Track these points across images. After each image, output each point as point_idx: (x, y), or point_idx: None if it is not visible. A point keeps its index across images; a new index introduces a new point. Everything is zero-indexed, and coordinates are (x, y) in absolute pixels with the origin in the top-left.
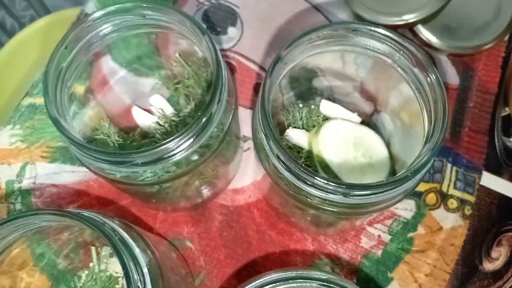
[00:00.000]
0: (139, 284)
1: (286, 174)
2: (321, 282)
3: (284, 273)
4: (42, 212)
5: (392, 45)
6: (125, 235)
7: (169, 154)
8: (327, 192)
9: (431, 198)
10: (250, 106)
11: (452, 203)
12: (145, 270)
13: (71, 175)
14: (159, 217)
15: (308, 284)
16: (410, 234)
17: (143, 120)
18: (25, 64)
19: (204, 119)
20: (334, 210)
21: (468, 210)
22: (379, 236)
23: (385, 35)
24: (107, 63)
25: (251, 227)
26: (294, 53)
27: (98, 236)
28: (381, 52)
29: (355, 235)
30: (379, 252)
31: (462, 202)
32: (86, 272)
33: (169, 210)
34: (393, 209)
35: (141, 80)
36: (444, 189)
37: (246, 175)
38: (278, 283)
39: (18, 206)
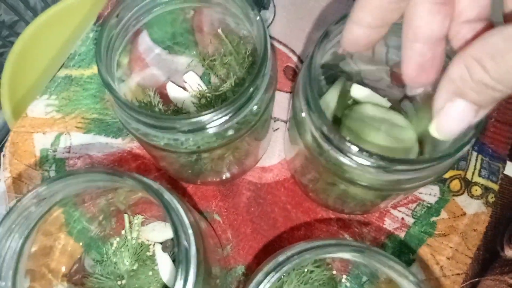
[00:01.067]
0: (185, 242)
1: (327, 147)
2: (356, 248)
3: (317, 241)
4: (96, 170)
5: None
6: (171, 196)
7: (214, 124)
8: (368, 166)
9: (455, 184)
10: (280, 88)
11: (476, 190)
12: (190, 231)
13: (105, 146)
14: (189, 190)
15: (342, 249)
16: (433, 219)
17: (177, 96)
18: (61, 36)
19: (250, 90)
20: (369, 185)
21: (491, 198)
22: (402, 219)
23: None
24: (144, 40)
25: (278, 204)
26: (340, 30)
27: (130, 205)
28: None
29: (379, 217)
30: (402, 234)
31: (486, 189)
32: (118, 239)
33: (199, 183)
34: (417, 194)
35: (176, 58)
36: (469, 176)
37: (274, 154)
38: (311, 250)
39: (52, 174)
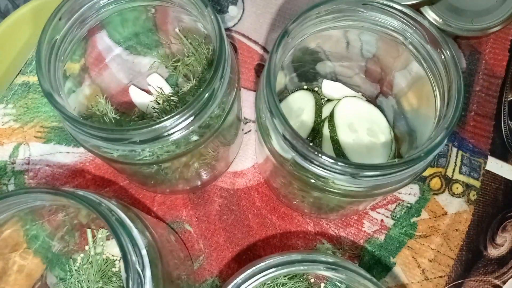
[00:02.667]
0: (137, 266)
1: (292, 153)
2: (327, 265)
3: (288, 256)
4: (35, 190)
5: (405, 21)
6: (122, 215)
7: (169, 132)
8: (334, 172)
9: (435, 182)
10: (251, 87)
11: (457, 188)
12: (144, 251)
13: (66, 156)
14: (157, 200)
15: (313, 267)
16: (414, 219)
17: (141, 99)
18: (18, 43)
19: (206, 95)
20: (340, 192)
21: (473, 195)
22: (382, 221)
23: (398, 9)
24: (103, 40)
25: (252, 210)
26: (301, 27)
27: (94, 218)
28: (393, 28)
29: (357, 220)
30: (382, 237)
31: (468, 187)
32: (82, 255)
33: (168, 193)
34: (396, 194)
35: (138, 59)
36: (449, 173)
37: (247, 158)
38: (282, 266)
39: (11, 187)
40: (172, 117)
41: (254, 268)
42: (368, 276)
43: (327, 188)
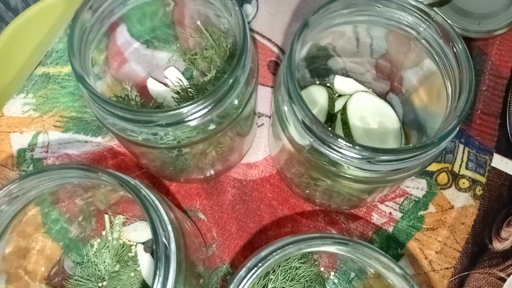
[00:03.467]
0: (164, 239)
1: (310, 139)
2: (341, 240)
3: (303, 235)
4: (68, 166)
5: (419, 16)
6: (149, 193)
7: (192, 117)
8: (351, 157)
9: (442, 177)
10: (264, 83)
11: (464, 183)
12: (169, 227)
13: (84, 145)
14: (172, 189)
15: (328, 243)
16: (421, 212)
17: (158, 92)
18: (38, 35)
19: (230, 81)
20: (354, 178)
21: (479, 191)
22: (390, 213)
23: (412, 5)
24: (122, 34)
25: (263, 201)
26: (320, 20)
27: (111, 205)
28: (407, 23)
29: (366, 212)
30: (390, 229)
31: (474, 182)
32: (98, 240)
33: (182, 181)
34: (404, 188)
35: (156, 53)
36: (456, 169)
37: (259, 150)
38: (298, 243)
39: None
40: (196, 102)
41: (266, 249)
42: (381, 251)
43: (341, 174)
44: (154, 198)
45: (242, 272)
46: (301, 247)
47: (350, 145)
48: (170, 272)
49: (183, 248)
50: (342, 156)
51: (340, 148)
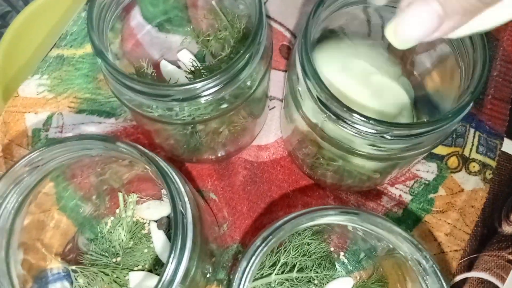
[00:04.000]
0: (181, 208)
1: (325, 114)
2: (353, 209)
3: (317, 207)
4: (89, 136)
5: None
6: (166, 165)
7: (209, 92)
8: (366, 132)
9: (452, 161)
10: (275, 67)
11: (474, 167)
12: (186, 198)
13: (98, 125)
14: (184, 170)
15: (337, 217)
16: (431, 195)
17: (172, 74)
18: (52, 17)
19: (246, 56)
20: (366, 154)
21: (489, 174)
22: (400, 196)
23: None
24: (136, 17)
25: (274, 182)
26: None
27: (124, 184)
28: None
29: (376, 194)
30: (400, 212)
31: (484, 166)
32: (112, 218)
33: (194, 161)
34: (414, 171)
35: (169, 36)
36: (466, 153)
37: (271, 132)
38: (314, 213)
39: None
40: (212, 76)
41: (280, 220)
42: (391, 221)
43: (354, 151)
44: (171, 170)
45: (257, 241)
46: (314, 216)
47: (365, 119)
48: (187, 242)
49: (198, 222)
50: (357, 131)
51: (355, 123)
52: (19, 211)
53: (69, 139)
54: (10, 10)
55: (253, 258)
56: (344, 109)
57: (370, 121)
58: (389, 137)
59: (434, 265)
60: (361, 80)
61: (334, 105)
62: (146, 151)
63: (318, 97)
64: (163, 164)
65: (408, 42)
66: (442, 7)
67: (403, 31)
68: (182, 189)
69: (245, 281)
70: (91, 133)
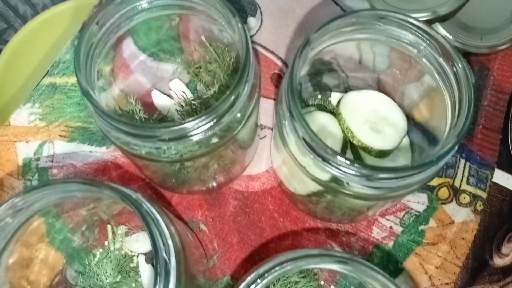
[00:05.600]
0: (164, 254)
1: (310, 155)
2: (342, 259)
3: (305, 251)
4: (71, 180)
5: (419, 35)
6: (150, 207)
7: (194, 132)
8: (351, 174)
9: (443, 192)
10: (267, 95)
11: (465, 198)
12: (170, 242)
13: (89, 154)
14: (174, 200)
15: (328, 261)
16: (422, 227)
17: (163, 103)
18: (46, 44)
19: (232, 98)
20: (353, 194)
21: (480, 206)
22: (390, 227)
23: (413, 24)
24: (129, 47)
25: (265, 213)
26: (321, 38)
27: (114, 215)
28: (407, 41)
29: (367, 226)
30: (391, 243)
31: (475, 197)
32: (101, 250)
33: (184, 193)
34: (405, 202)
35: (161, 65)
36: (457, 184)
37: (261, 162)
38: (299, 259)
39: (35, 183)
40: (199, 117)
41: (266, 265)
42: (379, 270)
43: (342, 190)
44: (155, 212)
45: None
46: (300, 264)
47: (349, 162)
48: (170, 286)
49: (183, 261)
50: (342, 173)
51: (340, 165)
52: (3, 252)
53: (53, 183)
54: (7, 27)
55: None
56: (329, 151)
57: (355, 164)
58: (374, 180)
59: None
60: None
61: (318, 147)
62: (131, 193)
63: (303, 137)
64: (146, 207)
65: None
66: None
67: None
68: (166, 232)
69: None
70: (81, 163)
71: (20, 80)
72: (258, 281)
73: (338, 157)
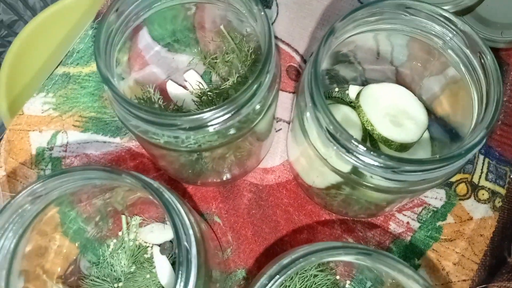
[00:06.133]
0: (185, 243)
1: (334, 147)
2: (364, 250)
3: (330, 243)
4: (93, 168)
5: (447, 26)
6: (171, 195)
7: (216, 121)
8: (376, 167)
9: (461, 188)
10: (282, 88)
11: (483, 194)
12: (191, 231)
13: (102, 145)
14: (189, 192)
15: (346, 257)
16: (439, 223)
17: (178, 94)
18: (59, 35)
19: (254, 86)
20: (375, 187)
21: (498, 202)
22: (408, 223)
23: (440, 14)
24: (144, 37)
25: (279, 206)
26: (346, 27)
27: (128, 206)
28: (433, 32)
29: (384, 221)
30: (408, 239)
31: (493, 194)
32: (115, 241)
33: (199, 184)
34: (423, 197)
35: (176, 56)
36: (475, 180)
37: (276, 155)
38: (323, 251)
39: (48, 173)
40: (219, 107)
41: (288, 257)
42: (404, 263)
43: (363, 182)
44: (175, 201)
45: (263, 279)
46: (324, 255)
47: (375, 153)
48: (191, 276)
49: (203, 252)
50: (365, 164)
51: (364, 156)
52: (21, 240)
53: (73, 170)
54: (17, 19)
55: None
56: (354, 142)
57: (381, 156)
58: (399, 172)
59: None
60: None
61: (343, 137)
62: (151, 181)
63: (326, 128)
64: (167, 195)
65: None
66: None
67: None
68: (187, 222)
69: None
70: (95, 153)
71: (34, 71)
72: (282, 272)
73: (363, 148)
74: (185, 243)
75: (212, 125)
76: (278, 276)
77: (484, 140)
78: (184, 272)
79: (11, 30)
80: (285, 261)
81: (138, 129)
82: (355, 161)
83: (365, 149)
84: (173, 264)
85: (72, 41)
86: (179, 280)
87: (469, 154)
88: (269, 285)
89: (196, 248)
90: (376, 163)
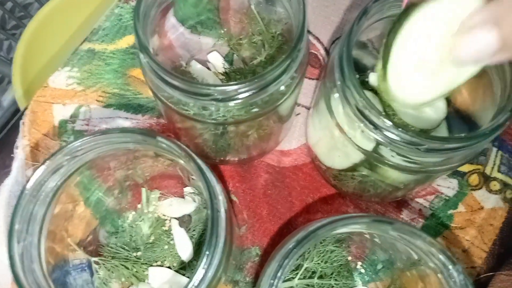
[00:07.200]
0: (216, 206)
1: (361, 124)
2: (390, 220)
3: (355, 215)
4: (130, 130)
5: None
6: (201, 162)
7: (245, 95)
8: (401, 142)
9: (474, 179)
10: None
11: (495, 185)
12: (221, 197)
13: (125, 120)
14: None
15: (372, 225)
16: (451, 211)
17: (201, 74)
18: (83, 11)
19: (286, 63)
20: (396, 165)
21: (509, 194)
22: (420, 210)
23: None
24: (169, 18)
25: (295, 188)
26: (379, 9)
27: (147, 180)
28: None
29: (396, 207)
30: (419, 225)
31: (505, 185)
32: (133, 213)
33: (217, 162)
34: (435, 186)
35: (200, 38)
36: (488, 171)
37: (294, 138)
38: (347, 219)
39: None
40: (253, 79)
41: (318, 222)
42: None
43: (385, 161)
44: (206, 167)
45: (290, 244)
46: (348, 222)
47: (402, 130)
48: (220, 241)
49: (229, 220)
50: (391, 141)
51: (391, 132)
52: (54, 198)
53: (111, 131)
54: (32, 2)
55: (286, 260)
56: (382, 118)
57: (408, 133)
58: (423, 150)
59: (465, 279)
60: None
61: (372, 113)
62: (185, 147)
63: (355, 105)
64: (200, 162)
65: (461, 62)
66: (503, 40)
67: (460, 51)
68: (217, 188)
69: (277, 283)
70: (117, 127)
71: (58, 44)
72: (310, 236)
73: (391, 123)
74: (216, 206)
75: (242, 98)
76: (305, 240)
77: (507, 123)
78: (215, 233)
79: (26, 11)
80: (312, 227)
81: (169, 100)
82: (381, 138)
83: (392, 124)
84: (191, 237)
85: (97, 18)
86: (207, 241)
87: (493, 135)
88: (296, 248)
89: (224, 214)
90: (402, 139)
